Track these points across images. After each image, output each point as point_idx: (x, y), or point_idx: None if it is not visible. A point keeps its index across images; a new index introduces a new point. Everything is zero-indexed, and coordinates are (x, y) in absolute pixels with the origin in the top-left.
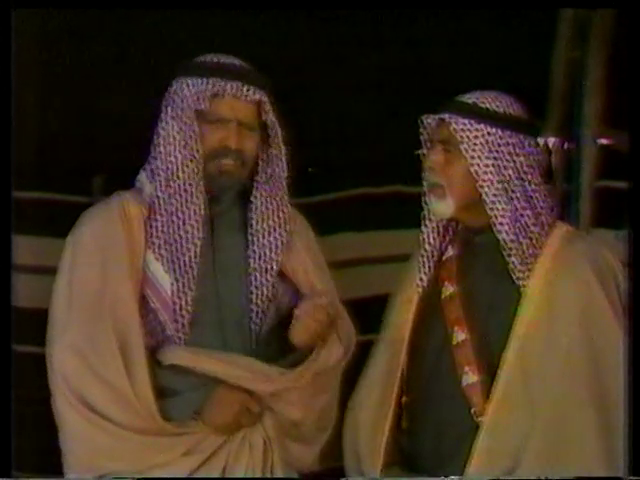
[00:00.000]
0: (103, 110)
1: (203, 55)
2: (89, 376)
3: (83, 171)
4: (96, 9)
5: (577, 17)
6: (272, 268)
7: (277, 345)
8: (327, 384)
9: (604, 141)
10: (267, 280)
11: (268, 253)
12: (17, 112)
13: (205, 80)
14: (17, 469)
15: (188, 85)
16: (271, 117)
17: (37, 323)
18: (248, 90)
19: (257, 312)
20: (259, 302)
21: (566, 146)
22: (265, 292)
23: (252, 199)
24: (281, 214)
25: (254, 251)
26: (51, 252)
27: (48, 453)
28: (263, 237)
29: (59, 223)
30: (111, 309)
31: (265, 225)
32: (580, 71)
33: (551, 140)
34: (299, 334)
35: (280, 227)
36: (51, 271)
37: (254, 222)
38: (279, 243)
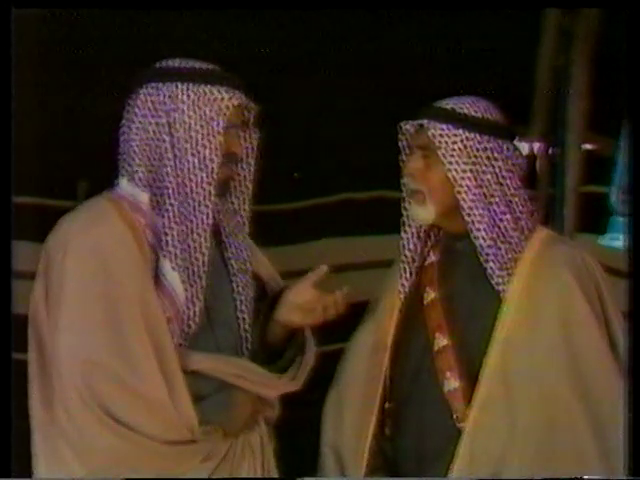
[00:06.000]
0: (102, 113)
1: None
2: (122, 391)
3: (83, 176)
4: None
5: (562, 23)
6: (248, 268)
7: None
8: None
9: (588, 146)
10: (248, 280)
11: (244, 251)
12: (16, 113)
13: (226, 90)
14: (16, 474)
15: (218, 92)
16: (252, 115)
17: None
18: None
19: (244, 317)
20: (244, 307)
21: (551, 151)
22: (249, 292)
23: (232, 200)
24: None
25: (232, 252)
26: None
27: None
28: (235, 237)
29: None
30: (144, 319)
31: (235, 222)
32: (565, 77)
33: (536, 145)
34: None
35: (245, 223)
36: None
37: (225, 226)
38: (247, 241)
